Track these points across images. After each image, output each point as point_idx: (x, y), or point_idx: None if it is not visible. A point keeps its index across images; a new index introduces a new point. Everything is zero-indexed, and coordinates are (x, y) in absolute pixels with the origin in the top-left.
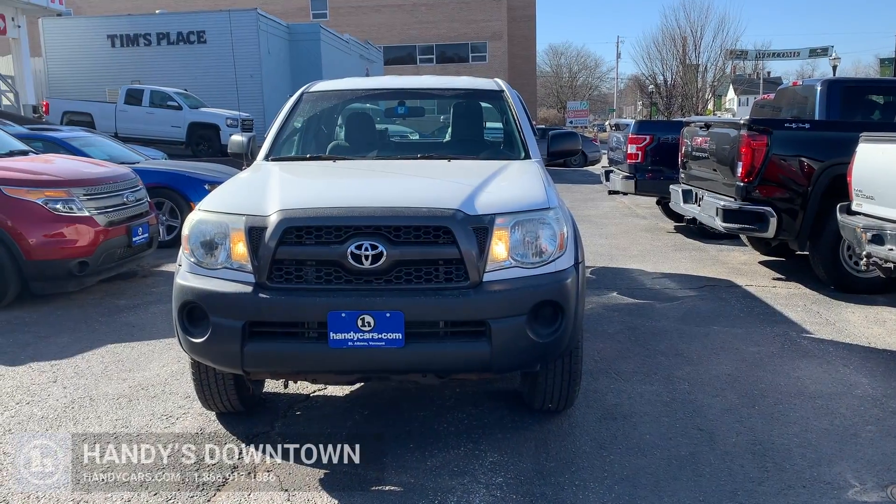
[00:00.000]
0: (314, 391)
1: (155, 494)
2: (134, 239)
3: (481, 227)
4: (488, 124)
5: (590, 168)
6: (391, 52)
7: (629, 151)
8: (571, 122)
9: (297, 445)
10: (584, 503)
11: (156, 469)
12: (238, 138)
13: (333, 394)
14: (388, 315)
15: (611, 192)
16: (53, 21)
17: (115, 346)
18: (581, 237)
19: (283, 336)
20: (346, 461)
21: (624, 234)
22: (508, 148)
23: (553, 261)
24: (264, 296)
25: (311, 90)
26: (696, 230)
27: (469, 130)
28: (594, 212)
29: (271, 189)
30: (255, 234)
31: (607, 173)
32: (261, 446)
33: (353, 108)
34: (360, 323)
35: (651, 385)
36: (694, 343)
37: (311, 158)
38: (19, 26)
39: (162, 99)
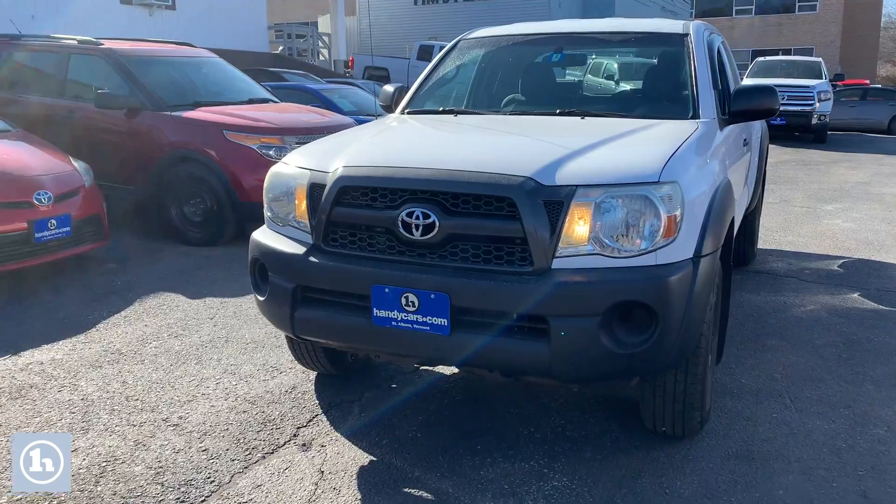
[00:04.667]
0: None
1: (204, 451)
2: None
3: (556, 201)
4: (670, 75)
5: None
6: (704, 3)
7: None
8: None
9: (368, 423)
10: None
11: (220, 424)
12: (388, 89)
13: (440, 370)
14: (432, 296)
15: None
16: None
17: None
18: (727, 222)
19: (332, 305)
20: (401, 451)
21: None
22: (676, 103)
23: (653, 251)
24: (314, 259)
25: (469, 37)
26: None
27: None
28: (893, 189)
29: (353, 144)
30: (315, 191)
31: None
32: (335, 416)
33: (503, 57)
34: (403, 301)
35: (830, 422)
36: None
37: (443, 112)
38: None
39: None
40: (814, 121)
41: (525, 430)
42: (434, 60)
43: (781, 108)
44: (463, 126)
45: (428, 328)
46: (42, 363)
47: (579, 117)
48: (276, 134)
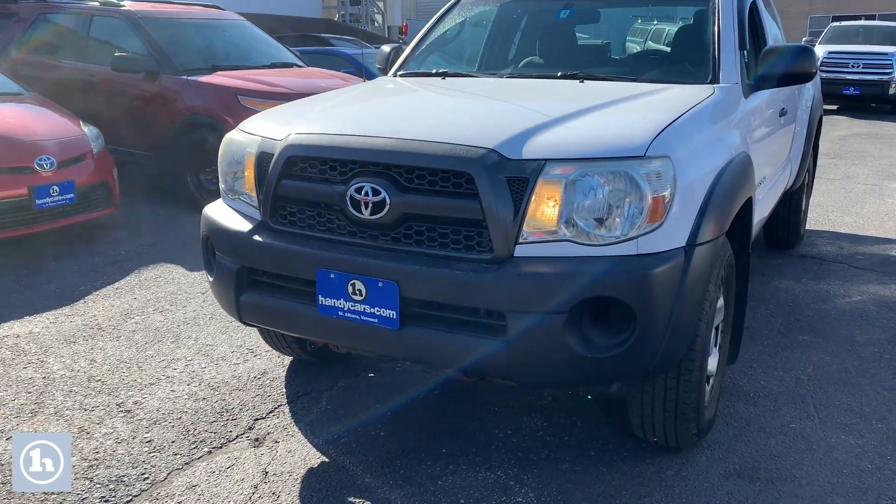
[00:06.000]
0: None
1: (147, 443)
2: None
3: (521, 178)
4: (691, 33)
5: None
6: None
7: None
8: None
9: (332, 418)
10: None
11: (175, 412)
12: (384, 49)
13: None
14: (380, 284)
15: None
16: None
17: None
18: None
19: (279, 290)
20: (357, 452)
21: None
22: (693, 66)
23: (634, 238)
24: (259, 238)
25: None
26: None
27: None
28: None
29: (314, 110)
30: (264, 160)
31: None
32: (298, 408)
33: (508, 13)
34: (350, 289)
35: (858, 437)
36: None
37: (436, 75)
38: None
39: None
40: (891, 91)
41: (501, 432)
42: (434, 18)
43: (856, 77)
44: (443, 90)
45: (376, 321)
46: (18, 336)
47: (578, 81)
48: (291, 99)
